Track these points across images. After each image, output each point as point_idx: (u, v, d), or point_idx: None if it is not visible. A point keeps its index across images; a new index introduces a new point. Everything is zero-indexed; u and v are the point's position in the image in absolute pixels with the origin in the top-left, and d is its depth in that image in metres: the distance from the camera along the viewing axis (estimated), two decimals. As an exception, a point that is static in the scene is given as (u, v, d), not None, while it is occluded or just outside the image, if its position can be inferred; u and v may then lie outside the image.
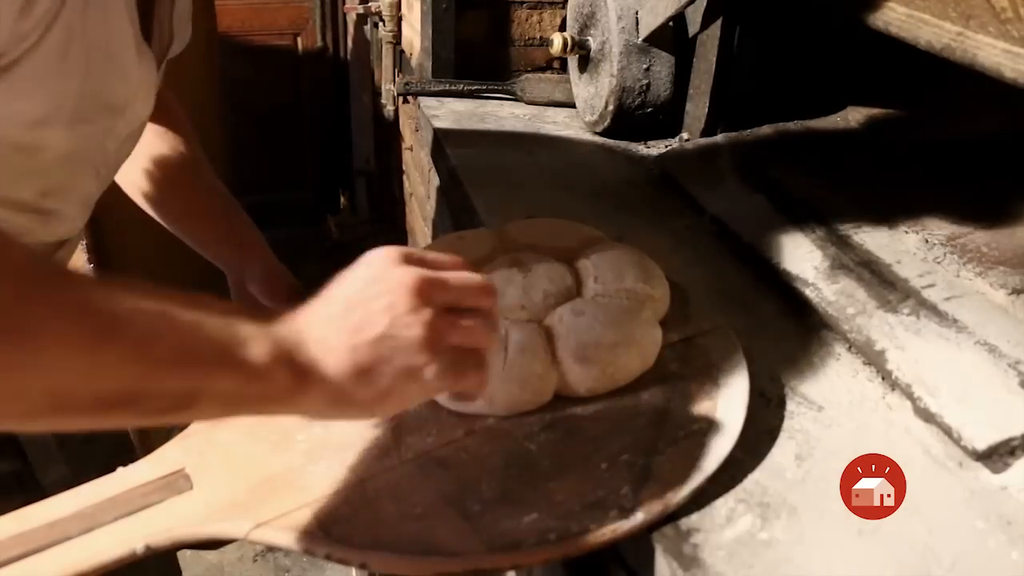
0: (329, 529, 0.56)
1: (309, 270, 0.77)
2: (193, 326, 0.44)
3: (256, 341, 0.46)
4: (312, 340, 0.48)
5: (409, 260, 0.51)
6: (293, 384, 0.47)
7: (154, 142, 0.89)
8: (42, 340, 0.39)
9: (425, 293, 0.50)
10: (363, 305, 0.49)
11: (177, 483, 0.61)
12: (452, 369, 0.51)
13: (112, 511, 0.58)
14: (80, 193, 0.71)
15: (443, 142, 1.32)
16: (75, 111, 0.60)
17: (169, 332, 0.43)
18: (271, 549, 1.88)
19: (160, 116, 0.88)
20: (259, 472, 0.61)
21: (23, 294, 0.39)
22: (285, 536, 0.56)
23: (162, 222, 0.91)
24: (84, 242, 1.49)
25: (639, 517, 0.57)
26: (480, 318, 0.53)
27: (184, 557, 1.01)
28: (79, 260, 1.51)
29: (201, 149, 0.94)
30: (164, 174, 0.88)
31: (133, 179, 0.89)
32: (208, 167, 0.93)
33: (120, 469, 0.62)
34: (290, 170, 3.43)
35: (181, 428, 0.66)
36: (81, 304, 0.41)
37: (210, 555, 1.94)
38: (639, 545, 0.59)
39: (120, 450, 0.96)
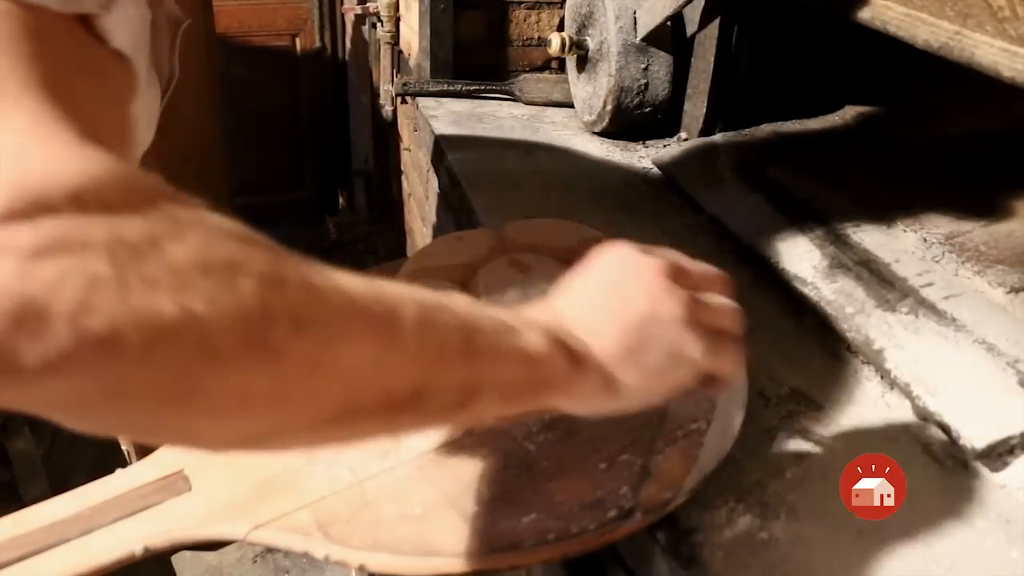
0: (328, 530, 0.56)
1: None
2: (467, 316, 0.42)
3: (528, 328, 0.44)
4: (578, 325, 0.47)
5: (645, 251, 0.51)
6: (569, 368, 0.45)
7: None
8: (333, 336, 0.36)
9: (674, 276, 0.49)
10: (618, 290, 0.48)
11: (176, 485, 0.60)
12: (714, 348, 0.50)
13: (111, 513, 0.57)
14: None
15: (441, 143, 1.32)
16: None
17: (447, 322, 0.41)
18: (271, 550, 1.88)
19: None
20: (258, 473, 0.61)
21: (313, 288, 0.36)
22: (284, 537, 0.56)
23: None
24: None
25: (638, 517, 0.57)
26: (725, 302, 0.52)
27: (184, 558, 1.01)
28: None
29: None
30: None
31: None
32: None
33: (119, 471, 0.62)
34: (289, 171, 3.43)
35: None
36: (359, 298, 0.38)
37: (210, 556, 1.94)
38: (638, 545, 0.59)
39: (108, 455, 0.96)
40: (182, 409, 0.33)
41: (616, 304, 0.48)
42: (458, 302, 0.42)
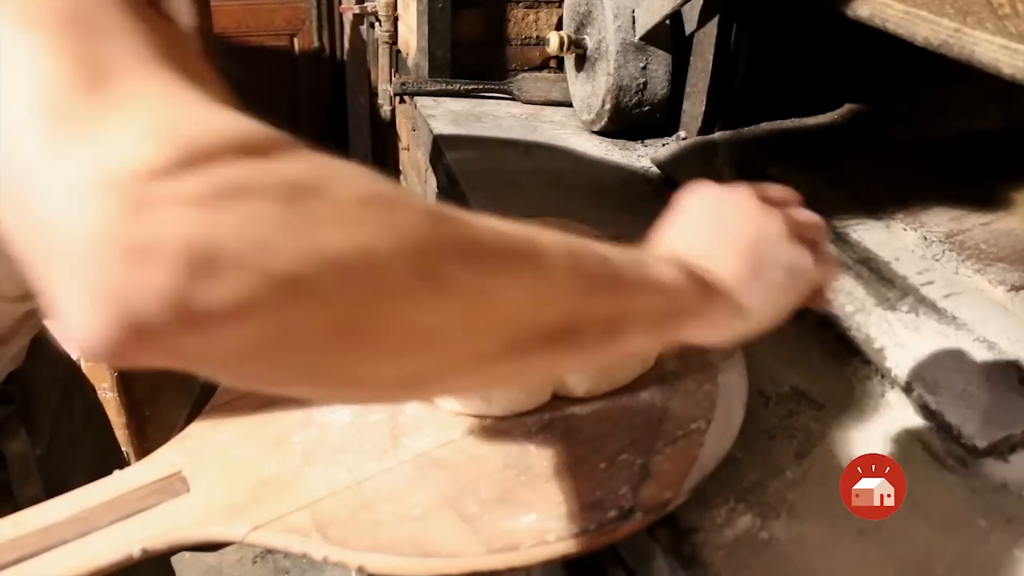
0: (326, 531, 0.56)
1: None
2: (606, 252, 0.43)
3: (658, 261, 0.45)
4: (698, 255, 0.48)
5: (726, 187, 0.54)
6: (703, 295, 0.46)
7: None
8: (496, 270, 0.37)
9: (763, 200, 0.52)
10: (720, 220, 0.50)
11: (174, 486, 0.60)
12: (819, 258, 0.52)
13: (108, 514, 0.57)
14: None
15: (440, 142, 1.32)
16: None
17: (592, 257, 0.42)
18: (270, 551, 1.88)
19: None
20: (256, 474, 0.61)
21: (470, 223, 0.37)
22: (282, 539, 0.56)
23: None
24: None
25: (638, 517, 0.56)
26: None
27: (183, 559, 1.01)
28: None
29: None
30: None
31: None
32: None
33: (116, 472, 0.62)
34: (287, 171, 3.42)
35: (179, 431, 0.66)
36: (511, 235, 0.38)
37: (209, 557, 1.93)
38: (638, 545, 0.59)
39: (106, 457, 0.96)
40: (356, 349, 0.33)
41: (724, 232, 0.50)
42: (594, 243, 0.43)
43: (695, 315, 0.46)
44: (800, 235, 0.51)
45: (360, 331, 0.32)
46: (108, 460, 0.95)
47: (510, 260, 0.37)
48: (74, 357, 0.28)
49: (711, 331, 0.48)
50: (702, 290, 0.46)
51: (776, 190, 0.55)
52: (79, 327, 0.28)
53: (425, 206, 0.35)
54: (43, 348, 0.89)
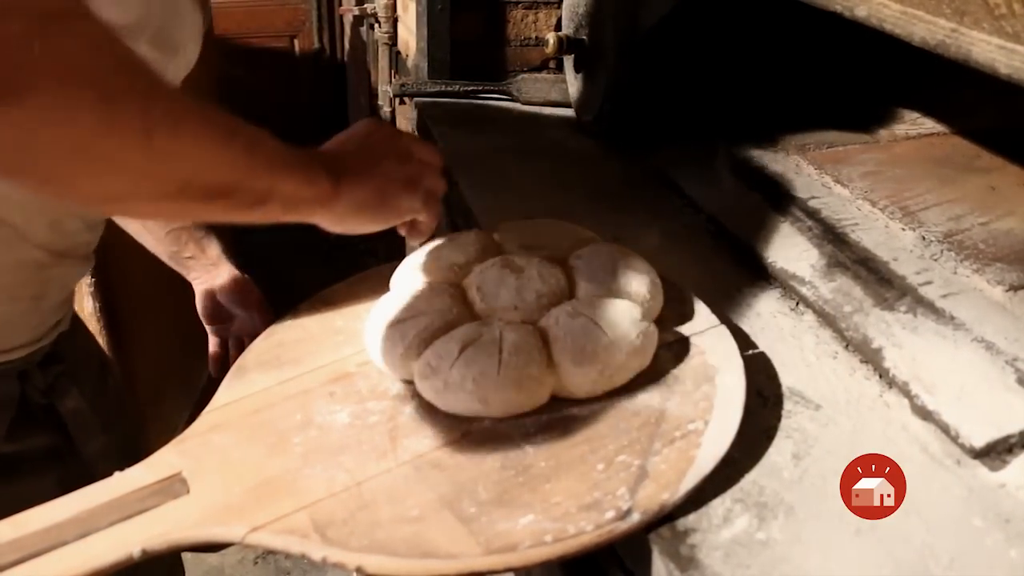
0: (325, 532, 0.56)
1: (307, 271, 0.79)
2: (277, 142, 0.58)
3: (311, 158, 0.62)
4: (340, 163, 0.64)
5: (383, 124, 0.71)
6: (331, 190, 0.62)
7: None
8: (188, 132, 0.51)
9: (403, 146, 0.70)
10: (368, 145, 0.68)
11: (174, 487, 0.60)
12: (428, 202, 0.71)
13: (108, 515, 0.57)
14: None
15: (438, 143, 1.32)
16: (154, 34, 0.69)
17: (265, 142, 0.57)
18: (272, 551, 1.88)
19: None
20: (255, 475, 0.61)
21: (174, 98, 0.51)
22: (281, 540, 0.56)
23: (130, 231, 0.93)
24: (90, 279, 1.48)
25: (635, 518, 0.56)
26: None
27: (185, 560, 1.01)
28: (87, 306, 1.51)
29: None
30: None
31: None
32: None
33: (117, 474, 0.62)
34: (288, 172, 3.43)
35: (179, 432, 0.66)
36: (212, 111, 0.53)
37: (211, 558, 1.94)
38: (636, 546, 0.59)
39: (131, 440, 0.96)
40: (73, 164, 0.46)
41: (368, 153, 0.67)
42: (270, 137, 0.58)
43: (322, 205, 0.62)
44: (419, 180, 0.70)
45: (79, 149, 0.45)
46: (133, 444, 0.95)
47: (205, 129, 0.52)
48: None
49: (330, 221, 0.65)
50: (332, 188, 0.62)
51: (425, 149, 0.72)
52: None
53: (154, 75, 0.49)
54: (79, 322, 0.90)
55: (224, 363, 0.98)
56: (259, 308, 0.92)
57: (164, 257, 0.95)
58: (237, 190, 0.56)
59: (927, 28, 0.72)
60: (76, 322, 0.88)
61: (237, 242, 2.40)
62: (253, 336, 0.83)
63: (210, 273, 0.95)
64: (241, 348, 0.94)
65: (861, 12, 0.80)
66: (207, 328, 0.99)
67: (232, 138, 0.55)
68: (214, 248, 0.94)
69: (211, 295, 0.94)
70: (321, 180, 0.61)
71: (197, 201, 0.54)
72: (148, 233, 0.93)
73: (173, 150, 0.50)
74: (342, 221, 0.65)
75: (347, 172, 0.64)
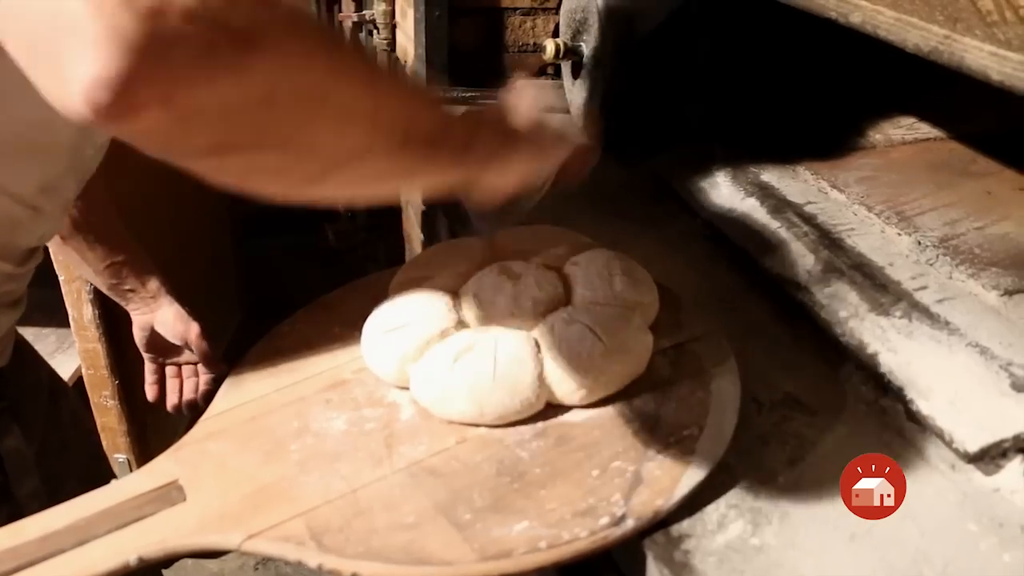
0: (321, 539, 0.56)
1: (307, 277, 0.79)
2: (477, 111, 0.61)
3: (500, 119, 0.62)
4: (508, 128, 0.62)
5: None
6: (506, 138, 0.61)
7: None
8: (391, 82, 0.52)
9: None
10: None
11: (170, 495, 0.61)
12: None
13: (105, 523, 0.58)
14: (63, 196, 0.74)
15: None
16: None
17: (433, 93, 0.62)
18: (271, 558, 1.88)
19: None
20: (252, 483, 0.62)
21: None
22: (277, 547, 0.57)
23: (71, 262, 0.95)
24: (89, 285, 1.48)
25: (630, 524, 0.57)
26: None
27: (185, 566, 1.01)
28: (86, 313, 1.52)
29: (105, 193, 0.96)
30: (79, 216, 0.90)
31: None
32: (113, 214, 0.95)
33: (114, 481, 0.62)
34: (288, 178, 3.43)
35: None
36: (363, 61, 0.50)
37: (211, 564, 1.94)
38: (630, 552, 0.59)
39: (94, 460, 0.98)
40: (314, 117, 0.44)
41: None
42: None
43: (509, 157, 0.60)
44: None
45: (324, 100, 0.44)
46: (97, 464, 0.96)
47: (398, 80, 0.53)
48: (76, 114, 0.34)
49: (514, 169, 0.62)
50: (508, 138, 0.60)
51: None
52: (89, 68, 0.34)
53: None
54: (27, 353, 0.91)
55: (162, 391, 1.00)
56: (196, 340, 0.94)
57: (104, 288, 0.97)
58: (447, 136, 0.55)
59: (920, 35, 0.72)
60: (22, 355, 0.88)
61: (240, 247, 2.41)
62: (192, 364, 0.90)
63: (149, 306, 0.96)
64: (180, 376, 1.00)
65: (855, 18, 0.81)
66: (144, 357, 1.01)
67: (419, 91, 0.58)
68: (153, 282, 0.95)
69: (149, 326, 0.97)
70: (504, 133, 0.61)
71: (423, 150, 0.53)
72: (87, 265, 0.94)
73: (391, 96, 0.50)
74: (520, 168, 0.64)
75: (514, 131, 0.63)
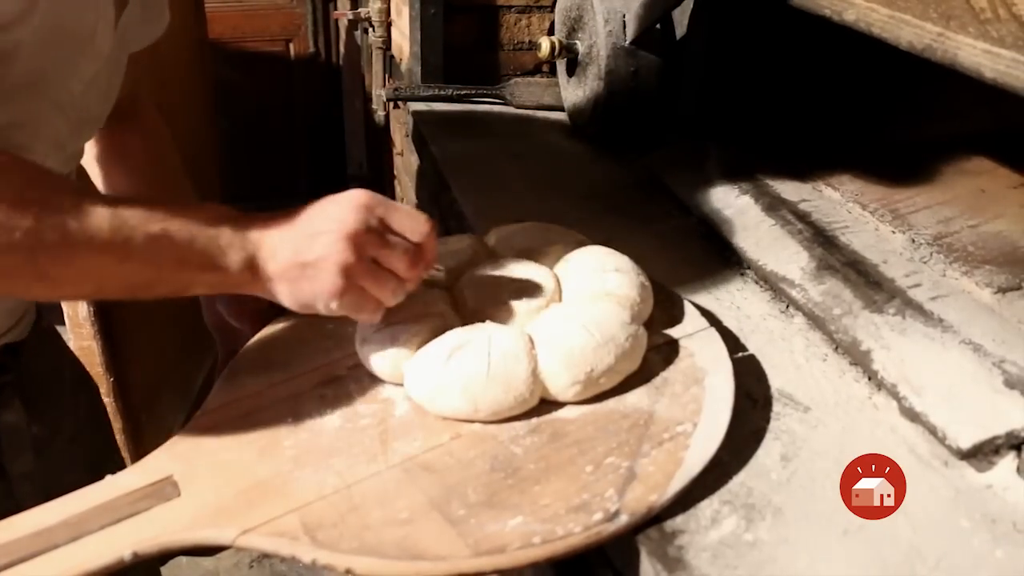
0: (315, 534, 0.56)
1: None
2: (187, 241, 0.61)
3: (232, 249, 0.62)
4: (267, 250, 0.63)
5: (369, 209, 0.65)
6: (251, 279, 0.64)
7: (137, 155, 0.90)
8: (76, 266, 0.59)
9: (358, 242, 0.63)
10: (310, 236, 0.63)
11: (165, 490, 0.61)
12: (353, 307, 0.66)
13: (100, 519, 0.58)
14: (48, 132, 0.71)
15: (431, 146, 1.32)
16: (43, 24, 0.63)
17: (169, 249, 0.60)
18: (266, 554, 1.88)
19: (140, 127, 0.90)
20: (246, 478, 0.61)
21: (63, 232, 0.57)
22: (271, 542, 0.57)
23: None
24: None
25: (624, 520, 0.57)
26: (406, 259, 0.66)
27: (180, 563, 1.01)
28: (81, 311, 1.51)
29: (179, 160, 0.94)
30: (142, 186, 0.89)
31: (114, 188, 0.90)
32: (185, 179, 0.94)
33: (108, 477, 0.62)
34: (283, 176, 3.43)
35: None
36: (105, 231, 0.58)
37: (207, 561, 1.94)
38: (624, 547, 0.59)
39: (104, 455, 0.97)
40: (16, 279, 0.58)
41: (301, 247, 0.63)
42: (185, 227, 0.61)
43: (243, 288, 0.64)
44: (354, 281, 0.64)
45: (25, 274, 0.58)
46: (106, 460, 0.95)
47: (98, 255, 0.59)
48: None
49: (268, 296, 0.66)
50: (252, 277, 0.64)
51: (411, 221, 0.67)
52: None
53: (39, 209, 0.56)
54: (52, 340, 0.90)
55: None
56: (253, 322, 0.89)
57: None
58: (155, 285, 0.63)
59: (914, 32, 0.73)
60: (45, 340, 0.87)
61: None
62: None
63: None
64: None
65: (849, 16, 0.81)
66: (216, 337, 0.98)
67: (127, 255, 0.59)
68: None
69: (212, 304, 0.93)
70: (243, 272, 0.63)
71: (121, 294, 0.64)
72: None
73: (68, 279, 0.59)
74: (277, 299, 0.66)
75: (271, 261, 0.63)
